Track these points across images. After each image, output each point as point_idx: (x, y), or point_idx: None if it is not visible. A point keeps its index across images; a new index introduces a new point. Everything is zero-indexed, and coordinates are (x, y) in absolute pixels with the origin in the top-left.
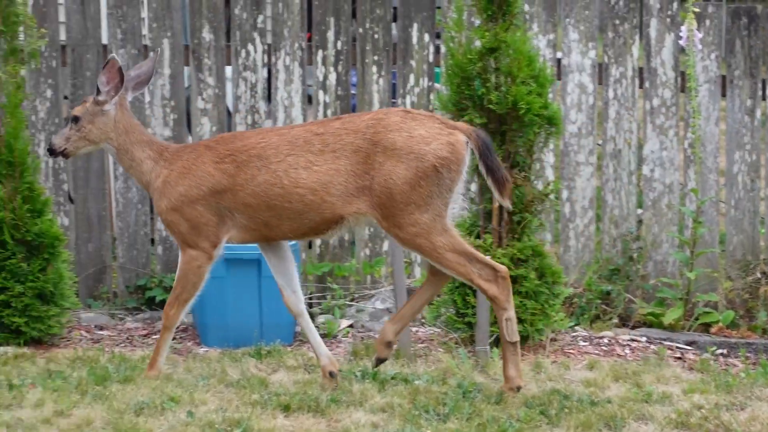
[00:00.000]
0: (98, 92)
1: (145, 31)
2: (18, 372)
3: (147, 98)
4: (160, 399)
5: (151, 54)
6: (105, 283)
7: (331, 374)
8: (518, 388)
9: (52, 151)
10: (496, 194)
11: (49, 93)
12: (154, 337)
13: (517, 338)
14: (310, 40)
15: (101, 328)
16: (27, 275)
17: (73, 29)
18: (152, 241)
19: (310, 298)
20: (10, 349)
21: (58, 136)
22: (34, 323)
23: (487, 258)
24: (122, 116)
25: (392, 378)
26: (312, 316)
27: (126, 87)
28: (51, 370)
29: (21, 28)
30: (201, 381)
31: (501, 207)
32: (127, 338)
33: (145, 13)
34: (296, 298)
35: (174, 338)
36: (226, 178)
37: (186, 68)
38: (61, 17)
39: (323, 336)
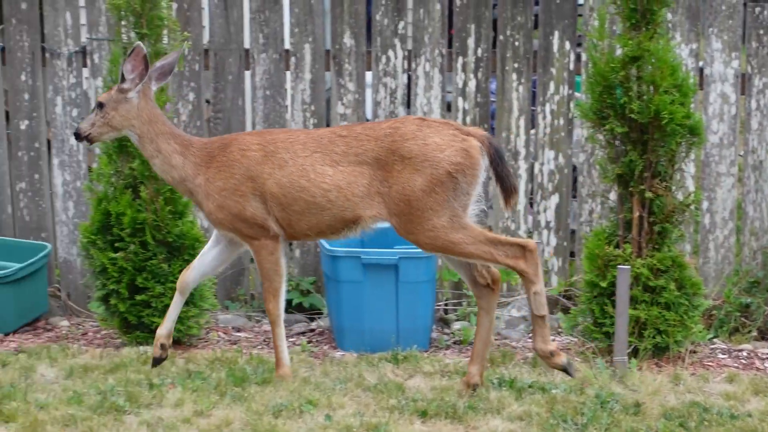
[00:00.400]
0: (122, 80)
1: (286, 35)
2: (158, 371)
3: (287, 102)
4: (298, 402)
5: (176, 51)
6: (242, 285)
7: (162, 346)
8: (551, 354)
9: (77, 136)
10: (501, 201)
11: (191, 96)
12: (291, 339)
13: (544, 312)
14: (451, 37)
15: (238, 330)
16: (167, 276)
17: (216, 33)
18: (290, 244)
19: (446, 305)
20: (150, 349)
21: (85, 122)
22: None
23: (513, 238)
24: (145, 105)
25: (529, 386)
26: (447, 323)
27: (150, 76)
28: (190, 371)
29: (165, 32)
30: (338, 385)
31: (641, 217)
32: (264, 340)
33: (287, 18)
34: (194, 278)
35: (310, 341)
36: (253, 165)
37: (327, 73)
38: (204, 21)
39: (458, 343)
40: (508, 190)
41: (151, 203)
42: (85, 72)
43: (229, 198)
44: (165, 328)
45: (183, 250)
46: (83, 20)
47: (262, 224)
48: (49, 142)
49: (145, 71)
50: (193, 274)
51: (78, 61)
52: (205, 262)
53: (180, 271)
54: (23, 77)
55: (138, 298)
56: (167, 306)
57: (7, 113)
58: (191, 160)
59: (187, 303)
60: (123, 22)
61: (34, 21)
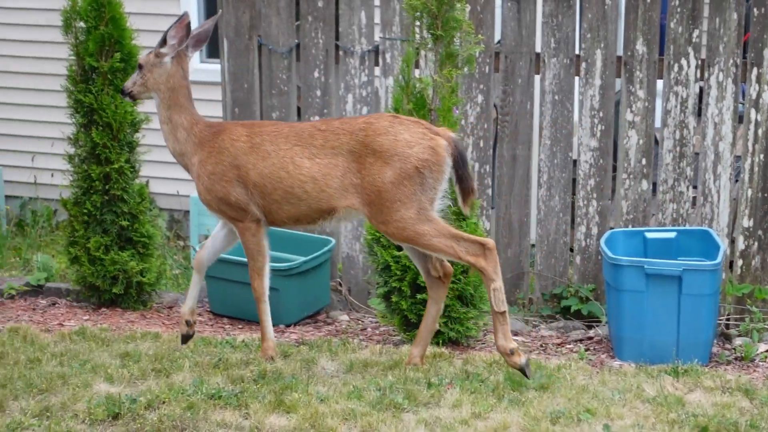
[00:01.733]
0: (163, 44)
1: (577, 40)
2: (436, 371)
3: (575, 107)
4: (576, 410)
5: (211, 19)
6: (521, 289)
7: (188, 323)
8: (511, 351)
9: (122, 92)
10: (459, 201)
11: (480, 98)
12: (568, 346)
13: (504, 308)
14: (747, 41)
15: (515, 334)
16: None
17: (508, 36)
18: (571, 249)
19: (728, 319)
20: (429, 348)
21: (129, 81)
22: (453, 324)
23: (473, 236)
24: (176, 72)
25: None
26: (728, 338)
27: (188, 44)
28: (468, 372)
29: (458, 34)
30: (616, 395)
31: None
32: (541, 345)
33: (578, 23)
34: (208, 257)
35: (587, 349)
36: (240, 155)
37: (617, 80)
38: (496, 24)
39: (740, 359)
40: (466, 191)
41: None
42: (377, 71)
43: (216, 182)
44: (187, 306)
45: None
46: (377, 19)
47: (245, 208)
48: None
49: (185, 39)
50: (207, 253)
51: (370, 59)
52: (217, 243)
53: (461, 273)
54: (316, 74)
55: (419, 296)
56: (447, 306)
57: (299, 109)
58: (192, 139)
59: (466, 304)
60: (417, 23)
61: (329, 19)
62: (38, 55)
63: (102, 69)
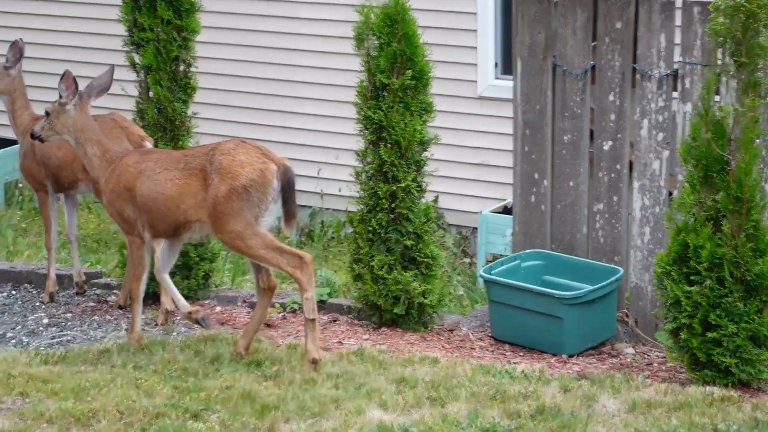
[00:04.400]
0: (60, 96)
1: None
2: (723, 416)
3: None
4: None
5: (108, 68)
6: None
7: (167, 311)
8: (314, 360)
9: (32, 135)
10: (283, 223)
11: None
12: None
13: (314, 316)
14: None
15: None
16: (742, 316)
17: None
18: None
19: None
20: (717, 390)
21: (37, 126)
22: (744, 365)
23: (295, 249)
24: (80, 116)
25: None
26: None
27: (88, 93)
28: (758, 420)
29: (763, 61)
30: None
31: None
32: None
33: None
34: (163, 268)
35: None
36: (130, 180)
37: None
38: None
39: None
40: (289, 215)
41: (732, 238)
42: (675, 95)
43: (114, 200)
44: (181, 306)
45: (760, 291)
46: (677, 42)
47: (133, 224)
48: (630, 164)
49: (75, 89)
50: (162, 263)
51: (668, 84)
52: (165, 251)
53: (755, 312)
54: (611, 97)
55: (709, 335)
56: (738, 346)
57: (591, 132)
58: (105, 164)
59: (759, 345)
60: (720, 48)
61: (627, 41)
62: (326, 66)
63: (393, 86)
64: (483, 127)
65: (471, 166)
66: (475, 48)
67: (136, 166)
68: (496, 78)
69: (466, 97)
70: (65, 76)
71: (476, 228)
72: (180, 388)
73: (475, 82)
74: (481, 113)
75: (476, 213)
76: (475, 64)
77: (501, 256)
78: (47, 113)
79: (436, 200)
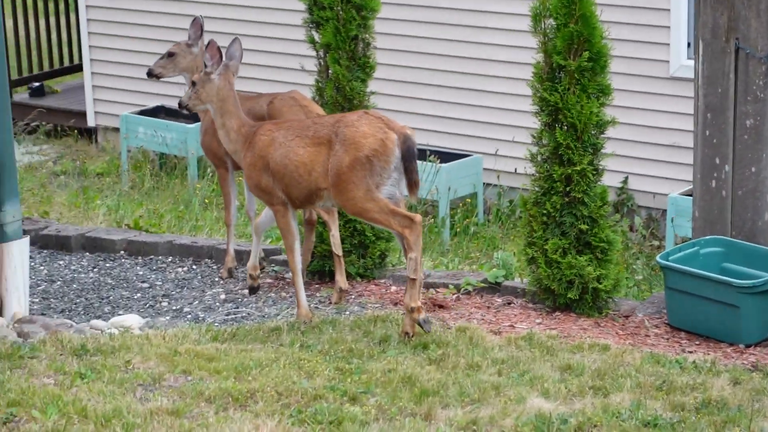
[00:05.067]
0: (206, 65)
1: None
2: None
3: None
4: None
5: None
6: None
7: (251, 276)
8: (412, 309)
9: (180, 105)
10: (406, 191)
11: None
12: None
13: (416, 276)
14: None
15: None
16: None
17: None
18: None
19: None
20: None
21: (184, 95)
22: None
23: (406, 212)
24: (223, 86)
25: None
26: None
27: (226, 64)
28: None
29: None
30: None
31: None
32: None
33: None
34: (264, 223)
35: None
36: (263, 148)
37: None
38: None
39: None
40: (411, 184)
41: None
42: None
43: (252, 171)
44: (251, 261)
45: None
46: None
47: (273, 193)
48: None
49: (220, 60)
50: (263, 220)
51: None
52: (270, 213)
53: None
54: None
55: None
56: None
57: None
58: (241, 138)
59: None
60: None
61: None
62: (507, 44)
63: (569, 68)
64: (674, 108)
65: (661, 147)
66: (668, 27)
67: (269, 134)
68: (689, 58)
69: (658, 77)
70: (210, 45)
71: (665, 210)
72: (342, 370)
73: (668, 62)
74: (672, 94)
75: (665, 195)
76: (668, 44)
77: (689, 239)
78: (193, 83)
79: (625, 181)
